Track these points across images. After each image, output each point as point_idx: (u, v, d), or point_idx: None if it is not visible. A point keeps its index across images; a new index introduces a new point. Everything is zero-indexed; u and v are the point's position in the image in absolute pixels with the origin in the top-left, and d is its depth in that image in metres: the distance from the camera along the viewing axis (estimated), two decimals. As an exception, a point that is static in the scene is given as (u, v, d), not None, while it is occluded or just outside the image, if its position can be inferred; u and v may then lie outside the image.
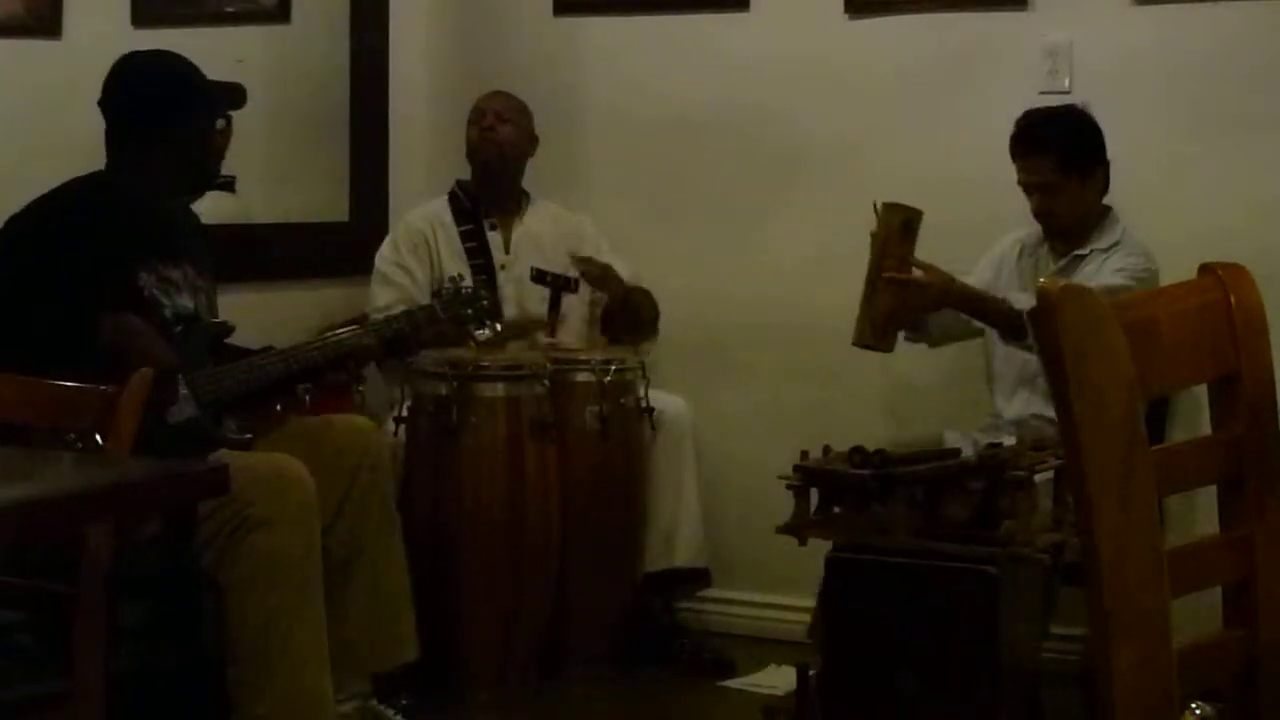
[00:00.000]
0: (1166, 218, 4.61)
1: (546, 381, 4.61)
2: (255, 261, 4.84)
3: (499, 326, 4.53)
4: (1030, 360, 4.40)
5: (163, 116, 4.01)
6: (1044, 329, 1.68)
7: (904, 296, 4.30)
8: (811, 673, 3.84)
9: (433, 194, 5.24)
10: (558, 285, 4.93)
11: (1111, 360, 1.71)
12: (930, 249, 4.33)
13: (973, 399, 4.70)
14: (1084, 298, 1.71)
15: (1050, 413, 3.99)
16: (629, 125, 5.36)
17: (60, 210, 3.90)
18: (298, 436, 3.93)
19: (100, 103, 4.05)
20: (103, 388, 2.88)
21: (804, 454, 3.93)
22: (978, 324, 4.58)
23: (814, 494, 3.89)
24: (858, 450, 3.82)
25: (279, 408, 4.17)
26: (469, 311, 4.43)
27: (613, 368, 4.70)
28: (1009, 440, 4.12)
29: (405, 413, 4.62)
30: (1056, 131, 4.41)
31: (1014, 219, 4.54)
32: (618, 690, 4.74)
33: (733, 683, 4.73)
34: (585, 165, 5.42)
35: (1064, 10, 4.81)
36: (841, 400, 5.02)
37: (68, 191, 3.94)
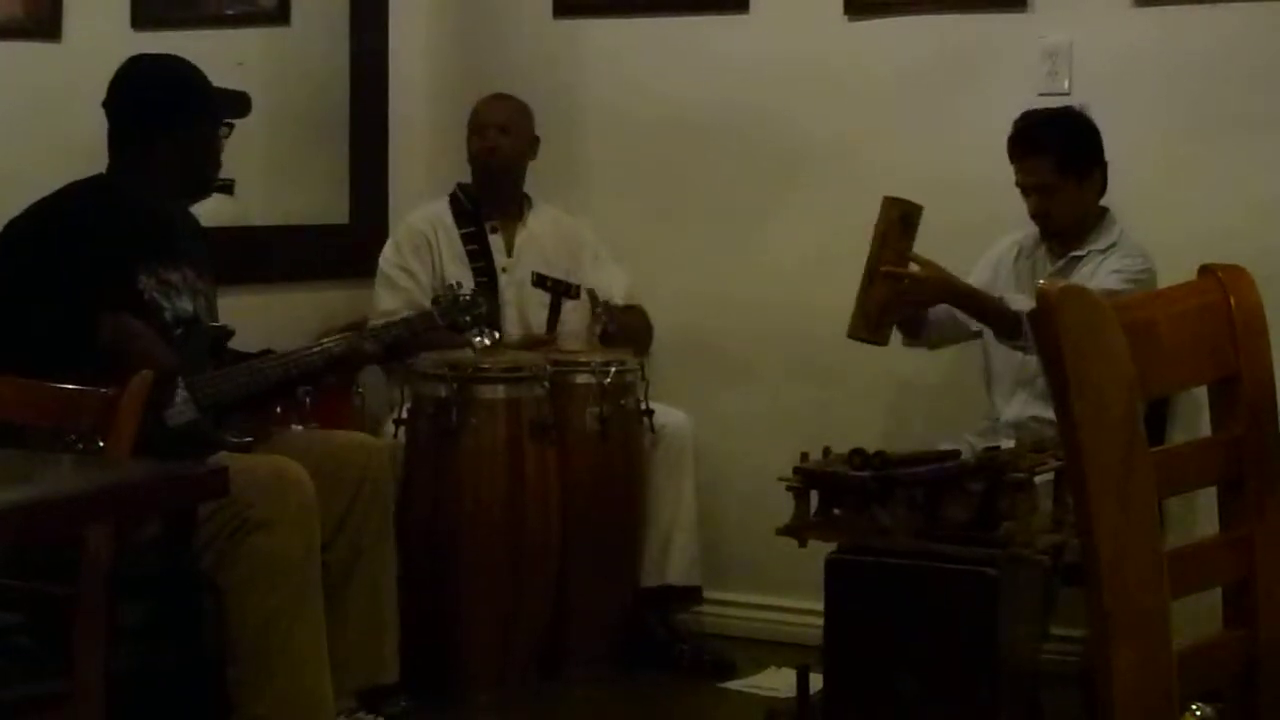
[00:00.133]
0: (1166, 218, 4.61)
1: (546, 383, 4.61)
2: (255, 264, 4.84)
3: (498, 334, 4.53)
4: (1028, 362, 4.40)
5: (166, 120, 4.01)
6: (1044, 329, 1.68)
7: (900, 290, 4.30)
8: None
9: (433, 196, 5.24)
10: (559, 290, 4.94)
11: (1111, 361, 1.71)
12: (929, 249, 4.32)
13: (972, 401, 4.70)
14: (1084, 298, 1.71)
15: (1048, 414, 4.01)
16: (629, 127, 5.36)
17: (61, 212, 3.90)
18: (300, 450, 3.93)
19: (104, 104, 4.05)
20: (102, 390, 2.88)
21: (804, 456, 3.93)
22: (975, 326, 4.58)
23: (814, 496, 3.89)
24: (858, 452, 3.82)
25: (278, 410, 4.18)
26: (467, 319, 4.44)
27: (612, 369, 4.70)
28: (1007, 442, 4.13)
29: (405, 414, 4.62)
30: (1054, 133, 4.42)
31: (1013, 220, 4.54)
32: (617, 692, 4.74)
33: (733, 684, 4.73)
34: (585, 167, 5.42)
35: (1063, 11, 4.81)
36: (841, 402, 5.02)
37: (69, 194, 3.95)
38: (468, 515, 4.54)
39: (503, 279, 5.06)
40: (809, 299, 5.01)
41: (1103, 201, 4.51)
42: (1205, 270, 1.90)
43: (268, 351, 4.13)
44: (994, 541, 3.70)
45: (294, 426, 4.25)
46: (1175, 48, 4.68)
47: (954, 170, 4.78)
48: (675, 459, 4.90)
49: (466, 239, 5.08)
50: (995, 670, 3.67)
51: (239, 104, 4.22)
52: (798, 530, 3.88)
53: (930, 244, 4.33)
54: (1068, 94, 4.72)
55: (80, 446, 3.26)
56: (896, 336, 4.53)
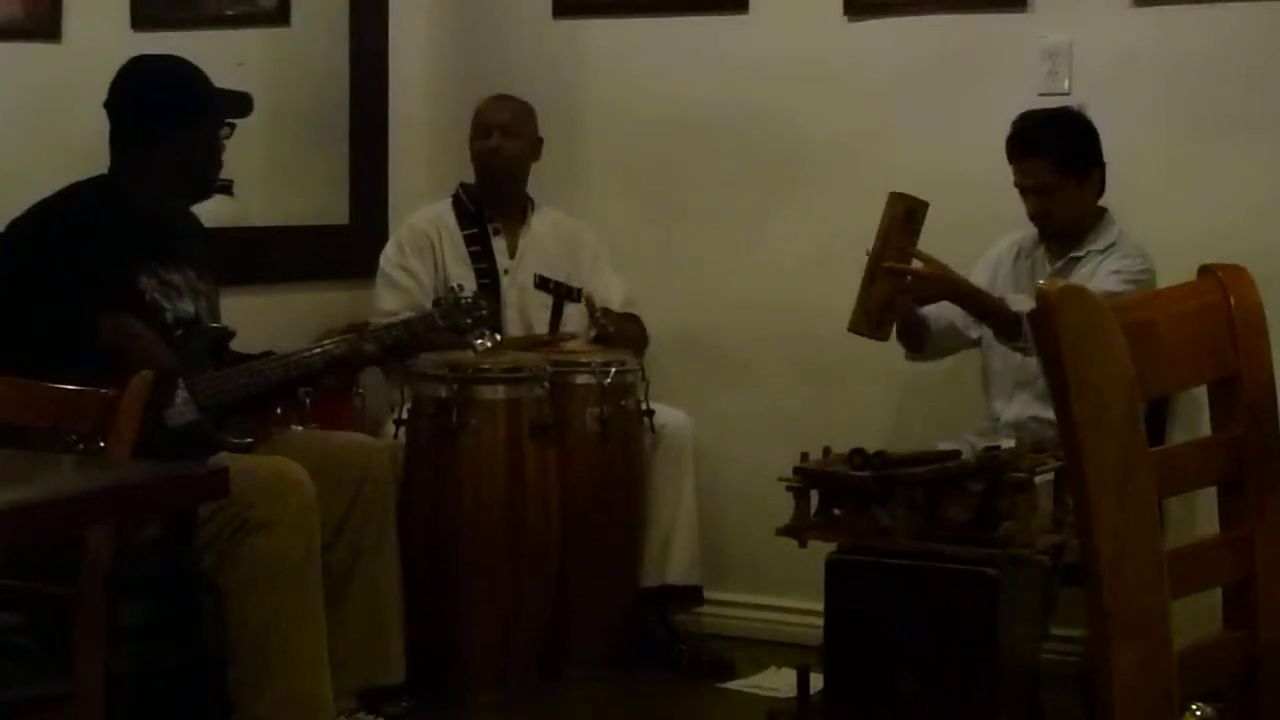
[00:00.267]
0: (1166, 218, 4.61)
1: (546, 384, 4.61)
2: (255, 264, 4.84)
3: (499, 336, 4.53)
4: (1028, 363, 4.40)
5: (167, 121, 4.01)
6: (1044, 330, 1.68)
7: (902, 287, 4.30)
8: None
9: (433, 196, 5.24)
10: (561, 293, 4.94)
11: (1111, 361, 1.71)
12: (930, 249, 4.32)
13: (971, 401, 4.70)
14: (1083, 299, 1.71)
15: (1048, 415, 4.01)
16: (628, 127, 5.36)
17: (62, 213, 3.90)
18: (301, 451, 3.93)
19: (105, 105, 4.05)
20: (103, 390, 2.88)
21: (804, 456, 3.93)
22: (974, 334, 4.59)
23: (814, 496, 3.89)
24: (858, 452, 3.82)
25: (279, 411, 4.18)
26: (468, 320, 4.43)
27: (613, 370, 4.70)
28: (1007, 443, 4.13)
29: (405, 415, 4.62)
30: (1052, 134, 4.42)
31: (1013, 220, 4.54)
32: (617, 692, 4.74)
33: (733, 685, 4.73)
34: (585, 167, 5.42)
35: (1063, 11, 4.81)
36: (841, 402, 5.02)
37: (70, 194, 3.95)
38: (468, 516, 4.54)
39: (505, 281, 5.06)
40: (809, 299, 5.02)
41: (1102, 202, 4.51)
42: (1205, 270, 1.90)
43: (268, 353, 4.13)
44: (994, 542, 3.71)
45: (294, 427, 4.26)
46: (1175, 48, 4.68)
47: (954, 170, 4.77)
48: (675, 459, 4.90)
49: (469, 240, 5.08)
50: (995, 670, 3.68)
51: (240, 104, 4.22)
52: (798, 530, 3.89)
53: (930, 244, 4.33)
54: (1068, 94, 4.72)
55: (80, 447, 3.26)
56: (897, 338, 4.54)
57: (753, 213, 5.20)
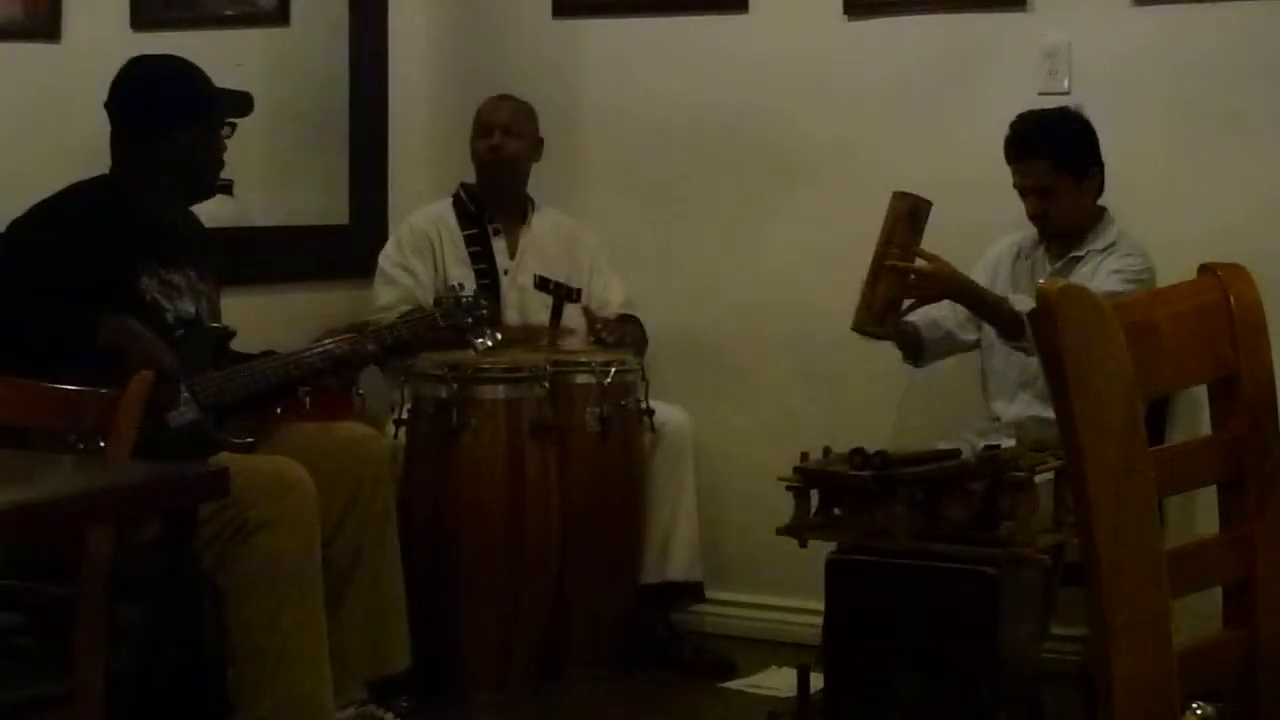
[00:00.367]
0: (1166, 218, 4.61)
1: (547, 384, 4.61)
2: (255, 264, 4.84)
3: (499, 335, 4.53)
4: (1029, 363, 4.40)
5: (168, 121, 4.01)
6: (1044, 330, 1.68)
7: (905, 285, 4.30)
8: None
9: (432, 196, 5.24)
10: (560, 293, 4.93)
11: (1111, 361, 1.71)
12: (930, 249, 4.32)
13: (972, 401, 4.70)
14: (1083, 298, 1.71)
15: (1049, 415, 4.00)
16: (628, 127, 5.36)
17: (63, 213, 3.90)
18: (300, 446, 3.93)
19: (106, 105, 4.05)
20: (103, 391, 2.88)
21: (804, 455, 3.93)
22: (970, 337, 4.59)
23: (814, 495, 3.89)
24: (858, 452, 3.82)
25: (279, 411, 4.18)
26: (469, 320, 4.44)
27: (613, 370, 4.70)
28: (1008, 442, 4.13)
29: (405, 415, 4.62)
30: (1051, 134, 4.42)
31: (1014, 220, 4.54)
32: (618, 692, 4.74)
33: (734, 684, 4.73)
34: (584, 167, 5.42)
35: (1063, 11, 4.81)
36: (842, 401, 5.02)
37: (71, 194, 3.95)
38: (468, 515, 4.54)
39: (505, 281, 5.06)
40: (809, 299, 5.01)
41: (1101, 201, 4.51)
42: (1205, 269, 1.90)
43: (269, 353, 4.14)
44: (994, 541, 3.71)
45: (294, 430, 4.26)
46: (1174, 47, 4.68)
47: (954, 170, 4.77)
48: (675, 456, 4.90)
49: (469, 240, 5.08)
50: (995, 670, 3.68)
51: (241, 104, 4.22)
52: (798, 530, 3.89)
53: (931, 243, 4.32)
54: (1067, 93, 4.72)
55: (81, 447, 3.26)
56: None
57: (753, 212, 5.20)
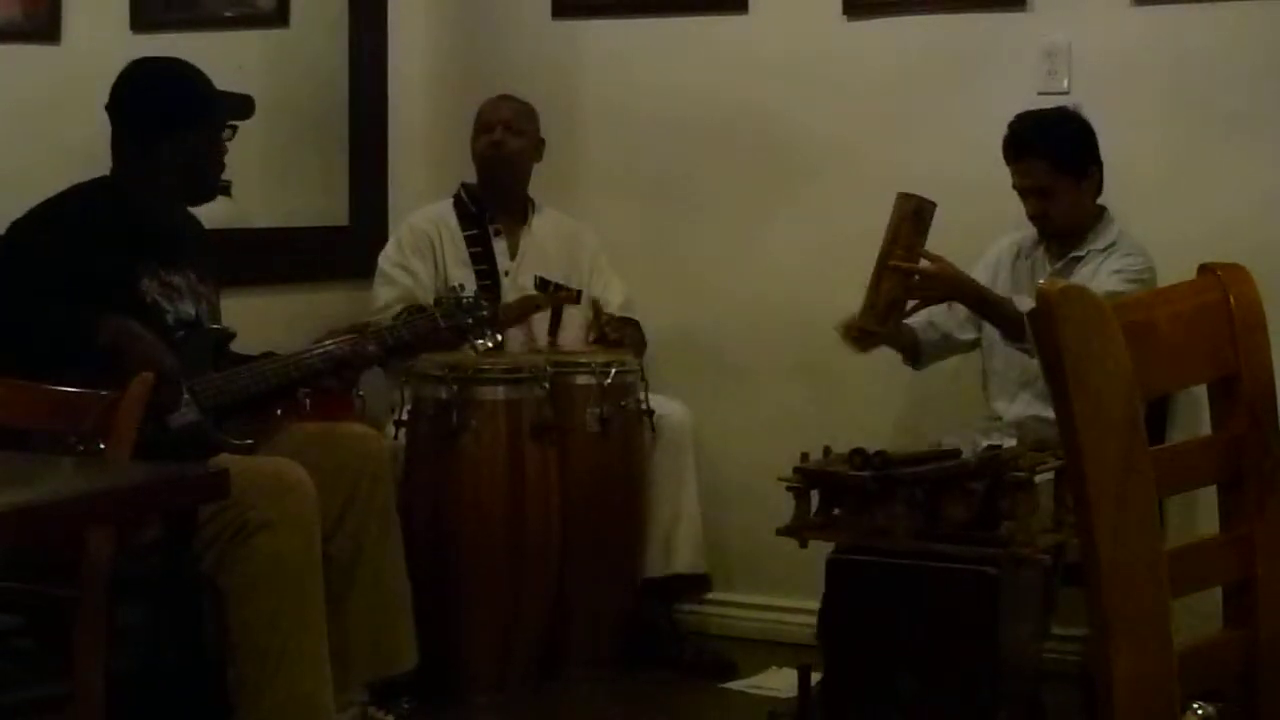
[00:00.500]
0: (1166, 217, 4.61)
1: (547, 384, 4.61)
2: (255, 266, 4.83)
3: (500, 337, 4.53)
4: (1030, 362, 4.39)
5: (169, 123, 4.01)
6: (1043, 330, 1.69)
7: (909, 286, 4.30)
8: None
9: (432, 198, 5.23)
10: (560, 297, 4.93)
11: (1111, 361, 1.71)
12: (932, 248, 4.32)
13: (972, 400, 4.70)
14: (1083, 298, 1.71)
15: (1049, 414, 4.00)
16: (628, 127, 5.36)
17: (64, 215, 3.90)
18: (300, 445, 3.93)
19: (107, 107, 4.05)
20: (103, 392, 2.88)
21: (804, 456, 3.93)
22: (968, 336, 4.59)
23: (814, 496, 3.89)
24: (858, 452, 3.82)
25: (279, 412, 4.18)
26: (469, 321, 4.43)
27: (613, 370, 4.70)
28: (1008, 441, 4.13)
29: (406, 416, 4.62)
30: (1049, 134, 4.41)
31: (1014, 219, 4.54)
32: (619, 692, 4.74)
33: (734, 685, 4.73)
34: (585, 167, 5.42)
35: (1062, 11, 4.81)
36: (842, 401, 5.02)
37: (72, 196, 3.95)
38: (469, 516, 4.54)
39: (505, 282, 5.06)
40: (809, 298, 5.01)
41: (1101, 201, 4.51)
42: (1204, 269, 1.90)
43: (269, 354, 4.14)
44: (995, 541, 3.71)
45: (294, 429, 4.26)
46: (1173, 47, 4.69)
47: (954, 170, 4.77)
48: (676, 449, 4.90)
49: (470, 241, 5.08)
50: (996, 670, 3.68)
51: (242, 106, 4.23)
52: (798, 530, 3.89)
53: (932, 243, 4.32)
54: (1067, 93, 4.72)
55: (81, 449, 3.26)
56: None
57: (753, 212, 5.20)
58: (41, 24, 4.87)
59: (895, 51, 5.01)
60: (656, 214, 5.33)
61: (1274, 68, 4.59)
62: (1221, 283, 1.88)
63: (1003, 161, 4.46)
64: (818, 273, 5.00)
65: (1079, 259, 4.48)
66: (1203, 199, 4.64)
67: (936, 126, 4.94)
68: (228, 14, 5.34)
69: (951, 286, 4.36)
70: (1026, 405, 4.50)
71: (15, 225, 3.89)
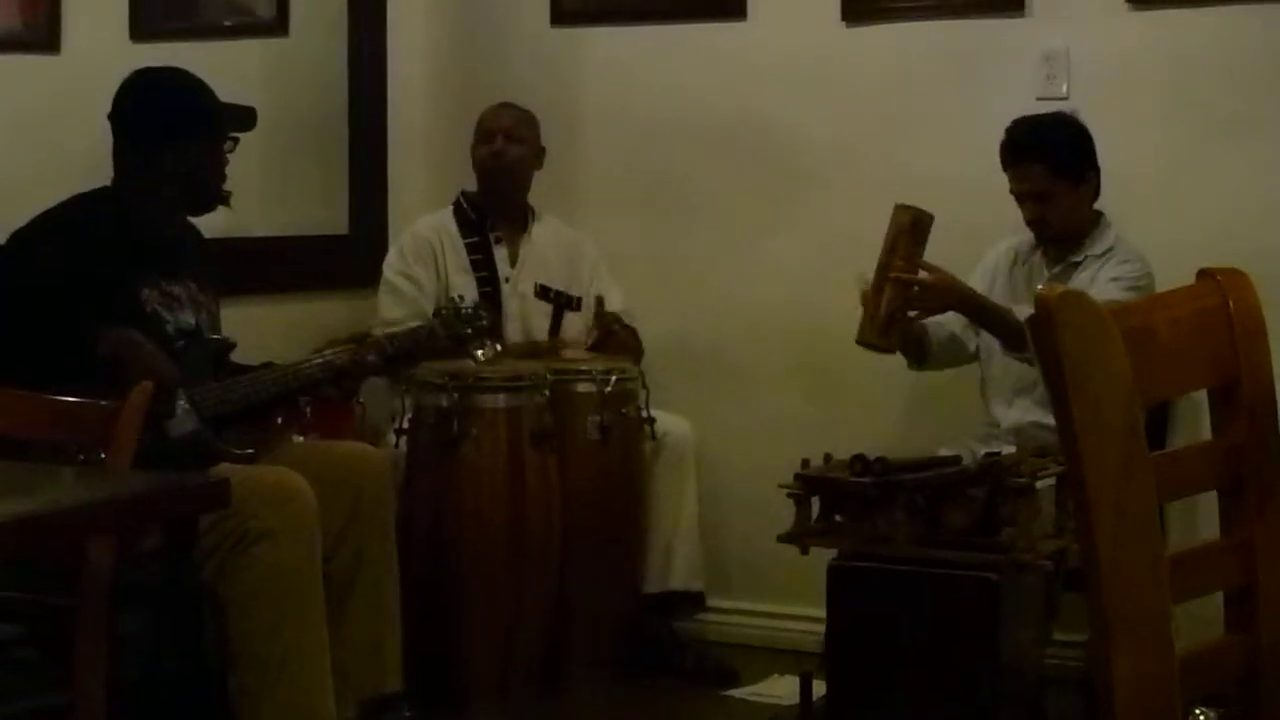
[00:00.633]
0: (1165, 221, 4.62)
1: (547, 392, 4.61)
2: (254, 275, 4.83)
3: (500, 346, 4.53)
4: (1027, 369, 4.39)
5: (171, 134, 4.01)
6: (1042, 335, 1.68)
7: (909, 297, 4.30)
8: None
9: (432, 206, 5.24)
10: (561, 302, 4.94)
11: (1110, 366, 1.71)
12: (931, 253, 4.32)
13: (972, 407, 4.70)
14: (1082, 304, 1.71)
15: (1048, 420, 4.01)
16: (628, 134, 5.37)
17: (65, 225, 3.90)
18: (301, 462, 3.93)
19: (109, 117, 4.05)
20: (103, 402, 2.88)
21: (805, 462, 3.93)
22: (970, 347, 4.59)
23: (815, 502, 3.89)
24: (859, 458, 3.82)
25: (279, 422, 4.18)
26: (469, 331, 4.44)
27: (613, 378, 4.70)
28: (1008, 448, 4.13)
29: (406, 424, 4.62)
30: (1046, 139, 4.42)
31: (1013, 224, 4.54)
32: (620, 700, 4.74)
33: (736, 692, 4.73)
34: (585, 175, 5.42)
35: (1061, 16, 4.81)
36: (843, 408, 5.02)
37: (73, 206, 3.95)
38: (469, 524, 4.54)
39: (506, 289, 5.06)
40: (809, 305, 5.02)
41: (1099, 204, 4.51)
42: (1204, 274, 1.90)
43: (269, 365, 4.14)
44: (996, 547, 3.71)
45: (295, 438, 4.26)
46: (1172, 50, 4.69)
47: (954, 174, 4.78)
48: (676, 466, 4.90)
49: (471, 249, 5.08)
50: (997, 675, 3.68)
51: (244, 118, 4.23)
52: (799, 537, 3.89)
53: (931, 248, 4.33)
54: (1066, 98, 4.73)
55: (81, 458, 3.27)
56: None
57: (752, 219, 5.21)
58: (41, 34, 4.87)
59: (894, 57, 5.01)
60: (656, 220, 5.33)
61: (1272, 72, 4.59)
62: (1221, 288, 1.88)
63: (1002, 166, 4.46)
64: (817, 278, 5.00)
65: (1076, 264, 4.48)
66: (1201, 202, 4.64)
67: (936, 131, 4.94)
68: (227, 23, 5.35)
69: (951, 297, 4.36)
70: (1025, 411, 4.50)
71: (16, 235, 3.89)
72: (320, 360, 4.17)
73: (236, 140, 4.15)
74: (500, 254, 5.10)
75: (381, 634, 4.09)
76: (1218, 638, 1.92)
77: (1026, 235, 4.57)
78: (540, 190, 5.19)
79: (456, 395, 4.54)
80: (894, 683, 3.72)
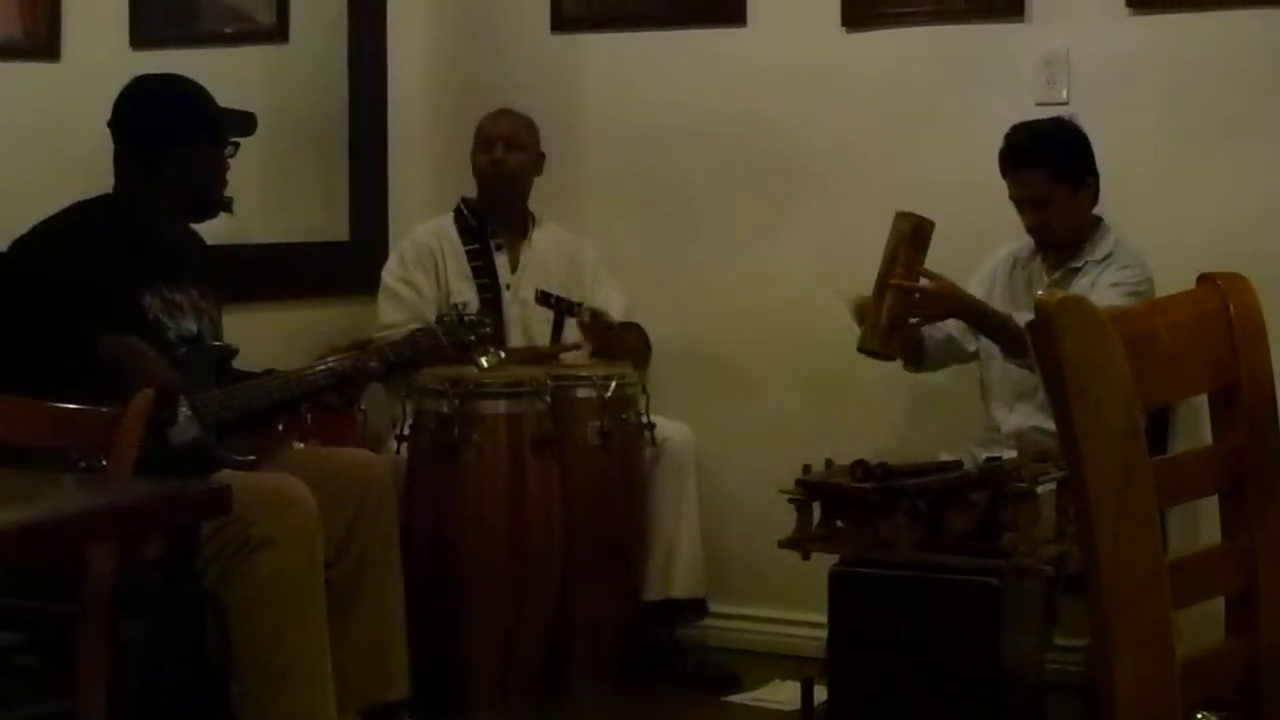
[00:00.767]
0: (1164, 223, 4.62)
1: (548, 398, 4.61)
2: (255, 281, 4.83)
3: (503, 353, 4.54)
4: (1027, 374, 4.39)
5: (172, 140, 4.01)
6: (1043, 340, 1.68)
7: (910, 304, 4.30)
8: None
9: (433, 213, 5.24)
10: (561, 308, 4.94)
11: (1111, 371, 1.71)
12: (932, 258, 4.32)
13: (973, 412, 4.70)
14: (1082, 309, 1.71)
15: (1049, 425, 4.01)
16: (628, 140, 5.37)
17: (67, 232, 3.91)
18: (304, 469, 3.93)
19: (110, 124, 4.05)
20: (105, 409, 2.88)
21: (806, 468, 3.93)
22: (969, 347, 4.59)
23: (816, 508, 3.89)
24: (860, 464, 3.82)
25: (280, 428, 4.18)
26: (472, 338, 4.44)
27: (613, 383, 4.70)
28: (1009, 453, 4.13)
29: (407, 430, 4.62)
30: (1045, 144, 4.42)
31: (1014, 228, 4.54)
32: (621, 705, 4.73)
33: (737, 698, 4.72)
34: (585, 181, 5.42)
35: (1060, 20, 4.82)
36: (844, 413, 5.02)
37: (75, 213, 3.95)
38: (470, 530, 4.53)
39: (506, 296, 5.06)
40: (810, 309, 5.02)
41: (1100, 208, 4.51)
42: (1204, 279, 1.90)
43: (270, 372, 4.14)
44: (997, 552, 3.71)
45: (296, 444, 4.26)
46: (1171, 54, 4.69)
47: (954, 179, 4.78)
48: (677, 472, 4.90)
49: (471, 255, 5.08)
50: (998, 680, 3.68)
51: (244, 123, 4.23)
52: (800, 543, 3.89)
53: (933, 252, 4.32)
54: (1066, 102, 4.73)
55: (83, 465, 3.27)
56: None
57: (753, 224, 5.21)
58: (41, 41, 4.88)
59: (894, 62, 5.02)
60: (657, 226, 5.33)
61: (1271, 74, 4.59)
62: (1221, 292, 1.88)
63: (1003, 170, 4.47)
64: (818, 283, 5.00)
65: (1076, 270, 4.48)
66: (1201, 204, 4.64)
67: (936, 136, 4.95)
68: (227, 30, 5.35)
69: (952, 304, 4.36)
70: (1026, 416, 4.49)
71: (18, 242, 3.89)
72: (323, 367, 4.17)
73: (237, 146, 4.15)
74: (501, 260, 5.10)
75: (386, 640, 4.09)
76: (1219, 642, 1.92)
77: (1026, 241, 4.57)
78: (541, 196, 5.20)
79: (457, 401, 4.54)
80: (895, 688, 3.72)
